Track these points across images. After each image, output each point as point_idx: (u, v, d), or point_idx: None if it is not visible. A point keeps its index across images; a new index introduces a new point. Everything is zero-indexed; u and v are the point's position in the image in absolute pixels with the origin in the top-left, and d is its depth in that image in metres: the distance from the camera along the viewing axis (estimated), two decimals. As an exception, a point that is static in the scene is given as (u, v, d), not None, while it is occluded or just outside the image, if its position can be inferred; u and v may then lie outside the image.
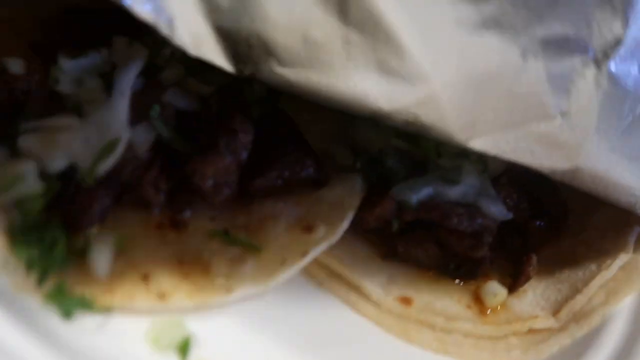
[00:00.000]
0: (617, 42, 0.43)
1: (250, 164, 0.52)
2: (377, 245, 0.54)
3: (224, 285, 0.44)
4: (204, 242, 0.48)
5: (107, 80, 0.49)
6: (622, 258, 0.52)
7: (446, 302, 0.49)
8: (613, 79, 0.43)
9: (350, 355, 0.44)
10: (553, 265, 0.55)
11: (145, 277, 0.43)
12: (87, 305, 0.39)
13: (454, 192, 0.53)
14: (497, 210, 0.54)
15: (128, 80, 0.48)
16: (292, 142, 0.54)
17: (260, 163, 0.52)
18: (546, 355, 0.46)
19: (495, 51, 0.40)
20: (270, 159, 0.52)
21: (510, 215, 0.54)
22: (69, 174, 0.44)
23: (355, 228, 0.52)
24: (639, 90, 0.45)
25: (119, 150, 0.44)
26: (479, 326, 0.47)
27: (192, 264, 0.45)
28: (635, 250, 0.53)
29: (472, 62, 0.40)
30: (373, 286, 0.48)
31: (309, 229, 0.49)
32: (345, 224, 0.50)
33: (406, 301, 0.48)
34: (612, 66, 0.43)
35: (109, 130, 0.44)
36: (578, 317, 0.48)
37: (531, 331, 0.48)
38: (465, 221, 0.52)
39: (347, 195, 0.52)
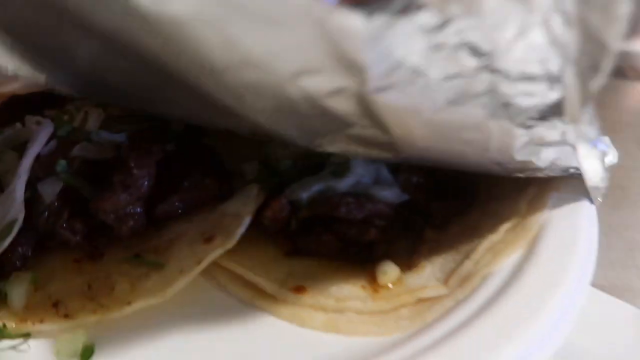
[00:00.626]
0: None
1: (159, 193, 0.59)
2: (282, 244, 0.58)
3: (124, 300, 0.49)
4: (115, 267, 0.54)
5: (21, 152, 0.58)
6: (512, 221, 0.54)
7: (341, 285, 0.52)
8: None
9: (247, 344, 0.48)
10: (458, 239, 0.56)
11: (55, 304, 0.49)
12: (4, 332, 0.46)
13: (344, 184, 0.57)
14: (390, 194, 0.57)
15: (28, 160, 0.56)
16: (196, 167, 0.61)
17: (165, 190, 0.59)
18: (431, 319, 0.48)
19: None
20: (174, 185, 0.59)
21: (405, 197, 0.57)
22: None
23: (263, 232, 0.57)
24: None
25: (15, 230, 0.51)
26: (370, 303, 0.50)
27: (100, 287, 0.51)
28: (526, 213, 0.54)
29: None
30: (268, 282, 0.52)
31: (209, 240, 0.55)
32: (240, 230, 0.54)
33: (300, 289, 0.51)
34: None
35: (8, 212, 0.52)
36: (462, 281, 0.50)
37: (421, 301, 0.50)
38: (355, 209, 0.55)
39: (243, 204, 0.57)
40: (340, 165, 0.58)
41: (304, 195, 0.57)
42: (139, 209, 0.56)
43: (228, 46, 0.34)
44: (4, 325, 0.47)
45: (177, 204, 0.58)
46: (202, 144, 0.66)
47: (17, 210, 0.52)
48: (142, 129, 0.64)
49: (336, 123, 0.43)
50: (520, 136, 0.44)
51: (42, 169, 0.56)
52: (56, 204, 0.55)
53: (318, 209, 0.56)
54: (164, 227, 0.58)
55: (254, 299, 0.52)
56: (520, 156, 0.47)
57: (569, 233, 0.51)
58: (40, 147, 0.57)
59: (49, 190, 0.55)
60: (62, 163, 0.57)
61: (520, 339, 0.43)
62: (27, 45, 0.46)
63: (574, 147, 0.47)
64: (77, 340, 0.46)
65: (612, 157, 0.52)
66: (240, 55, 0.35)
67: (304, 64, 0.36)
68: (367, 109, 0.40)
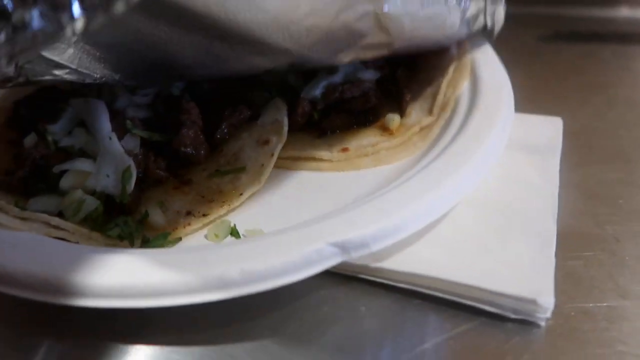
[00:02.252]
0: None
1: (206, 126, 0.75)
2: (312, 132, 0.78)
3: (236, 193, 0.67)
4: (208, 182, 0.70)
5: (84, 125, 0.70)
6: (454, 65, 0.81)
7: (368, 138, 0.75)
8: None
9: (328, 193, 0.69)
10: (419, 90, 0.82)
11: (189, 213, 0.65)
12: (166, 239, 0.61)
13: (338, 77, 0.79)
14: (370, 74, 0.81)
15: (105, 122, 0.68)
16: (229, 101, 0.77)
17: (212, 122, 0.75)
18: (434, 135, 0.73)
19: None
20: (218, 117, 0.75)
21: (378, 74, 0.81)
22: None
23: (293, 128, 0.76)
24: None
25: (134, 172, 0.64)
26: (392, 140, 0.74)
27: (210, 194, 0.67)
28: (458, 57, 0.82)
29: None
30: (320, 152, 0.73)
31: (266, 142, 0.73)
32: (285, 129, 0.74)
33: (345, 150, 0.73)
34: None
35: (118, 163, 0.64)
36: (442, 107, 0.76)
37: (422, 129, 0.75)
38: (354, 90, 0.78)
39: (277, 112, 0.76)
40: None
41: (317, 92, 0.78)
42: (202, 139, 0.72)
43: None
44: (158, 236, 0.61)
45: (225, 129, 0.75)
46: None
47: (125, 159, 0.65)
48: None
49: (357, 37, 0.65)
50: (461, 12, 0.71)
51: (116, 130, 0.68)
52: (141, 151, 0.69)
53: (329, 98, 0.77)
54: (223, 148, 0.75)
55: (317, 167, 0.73)
56: (463, 28, 0.74)
57: (489, 59, 0.80)
58: (107, 113, 0.68)
59: (132, 144, 0.68)
60: (129, 122, 0.70)
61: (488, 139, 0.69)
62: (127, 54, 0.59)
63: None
64: (225, 224, 0.63)
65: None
66: (304, 11, 0.55)
67: (344, 3, 0.57)
68: (379, 22, 0.63)
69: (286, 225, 0.59)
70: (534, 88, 0.92)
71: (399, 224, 0.56)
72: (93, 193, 0.64)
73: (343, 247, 0.54)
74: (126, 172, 0.64)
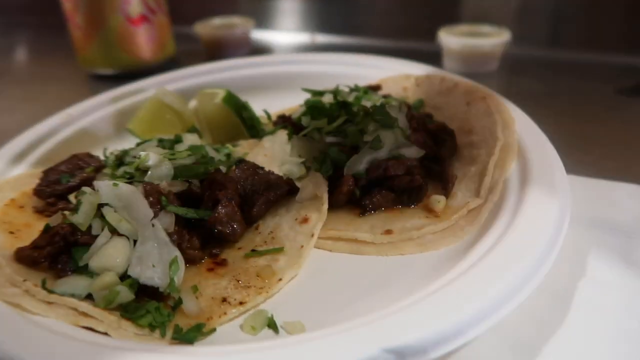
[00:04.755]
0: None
1: (242, 201, 0.72)
2: (351, 210, 0.75)
3: (274, 278, 0.62)
4: (243, 263, 0.66)
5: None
6: (498, 145, 0.77)
7: (413, 221, 0.71)
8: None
9: (373, 281, 0.64)
10: (463, 169, 0.79)
11: (224, 299, 0.60)
12: (200, 331, 0.56)
13: (383, 153, 0.76)
14: (413, 152, 0.78)
15: (145, 208, 0.63)
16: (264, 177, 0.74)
17: (248, 199, 0.72)
18: (483, 219, 0.69)
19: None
20: (255, 194, 0.72)
21: (422, 152, 0.78)
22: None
23: (333, 205, 0.73)
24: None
25: (181, 263, 0.60)
26: (439, 224, 0.69)
27: (247, 278, 0.63)
28: (504, 137, 0.79)
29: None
30: (363, 233, 0.69)
31: (305, 220, 0.69)
32: (325, 206, 0.70)
33: (389, 232, 0.69)
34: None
35: (165, 253, 0.60)
36: (490, 189, 0.72)
37: (470, 212, 0.71)
38: (398, 167, 0.74)
39: (316, 188, 0.73)
40: (374, 141, 0.76)
41: (361, 167, 0.74)
42: (239, 217, 0.68)
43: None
44: (192, 328, 0.57)
45: (262, 205, 0.71)
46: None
47: (171, 249, 0.61)
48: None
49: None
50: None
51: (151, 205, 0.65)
52: (176, 229, 0.65)
53: (373, 174, 0.74)
54: (259, 225, 0.71)
55: (359, 250, 0.68)
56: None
57: (537, 138, 0.76)
58: (143, 198, 0.64)
59: (167, 222, 0.64)
60: (164, 199, 0.66)
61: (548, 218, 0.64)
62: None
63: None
64: (262, 316, 0.58)
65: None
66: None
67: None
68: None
69: (329, 318, 0.55)
70: (612, 147, 0.84)
71: (462, 326, 0.51)
72: (124, 275, 0.60)
73: (399, 353, 0.49)
74: (173, 263, 0.60)
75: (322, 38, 1.78)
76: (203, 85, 1.09)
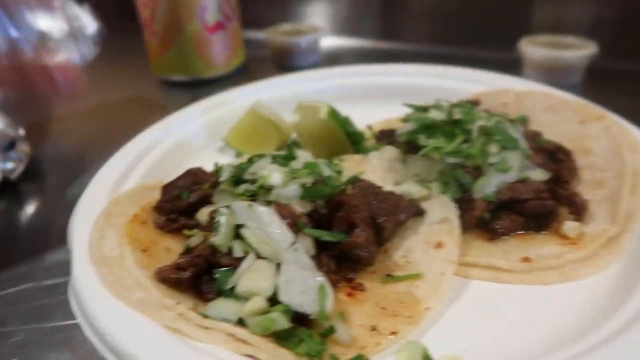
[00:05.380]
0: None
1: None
2: (479, 234, 0.73)
3: (421, 307, 0.61)
4: (381, 289, 0.65)
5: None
6: (629, 168, 0.75)
7: (548, 248, 0.69)
8: None
9: (521, 310, 0.62)
10: (589, 194, 0.76)
11: (373, 328, 0.59)
12: (358, 360, 0.55)
13: (511, 176, 0.74)
14: (539, 174, 0.75)
15: (284, 231, 0.62)
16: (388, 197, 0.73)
17: (376, 221, 0.70)
18: (624, 249, 0.67)
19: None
20: (382, 215, 0.70)
21: (548, 174, 0.76)
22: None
23: (463, 230, 0.71)
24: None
25: (328, 290, 0.58)
26: (577, 253, 0.67)
27: (392, 305, 0.62)
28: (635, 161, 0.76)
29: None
30: (499, 260, 0.67)
31: (439, 245, 0.68)
32: (458, 231, 0.69)
33: (526, 259, 0.67)
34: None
35: (311, 280, 0.59)
36: (629, 218, 0.69)
37: (608, 240, 0.69)
38: (527, 191, 0.72)
39: (445, 210, 0.71)
40: (500, 163, 0.74)
41: (490, 190, 0.72)
42: (373, 240, 0.67)
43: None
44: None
45: (394, 228, 0.70)
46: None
47: (316, 274, 0.60)
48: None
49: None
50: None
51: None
52: (315, 253, 0.64)
53: (503, 197, 0.72)
54: (389, 248, 0.70)
55: (497, 277, 0.66)
56: None
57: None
58: (280, 220, 0.63)
59: (307, 245, 0.63)
60: (300, 221, 0.65)
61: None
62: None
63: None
64: (417, 349, 0.57)
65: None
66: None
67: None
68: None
69: (487, 351, 0.54)
70: None
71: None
72: (271, 299, 0.59)
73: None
74: (321, 290, 0.58)
75: (388, 45, 1.75)
76: (289, 96, 1.08)
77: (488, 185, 0.73)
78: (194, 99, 1.14)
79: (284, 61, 1.56)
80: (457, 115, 0.84)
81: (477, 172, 0.75)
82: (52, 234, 0.87)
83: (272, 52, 1.59)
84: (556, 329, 0.59)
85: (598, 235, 0.69)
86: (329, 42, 1.75)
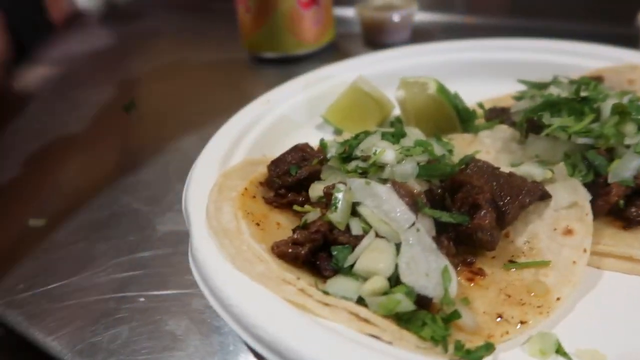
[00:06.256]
0: None
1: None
2: (611, 222, 0.67)
3: (552, 297, 0.56)
4: (505, 275, 0.61)
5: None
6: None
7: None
8: None
9: None
10: None
11: (499, 316, 0.56)
12: (488, 351, 0.52)
13: (650, 159, 0.67)
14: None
15: (405, 211, 0.59)
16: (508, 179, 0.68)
17: (498, 203, 0.66)
18: None
19: None
20: (505, 197, 0.66)
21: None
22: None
23: (594, 216, 0.65)
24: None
25: (453, 274, 0.55)
26: None
27: (518, 293, 0.58)
28: None
29: None
30: (636, 250, 0.61)
31: (569, 232, 0.63)
32: (591, 217, 0.63)
33: (668, 252, 0.61)
34: None
35: (435, 263, 0.55)
36: None
37: None
38: (671, 175, 0.65)
39: (574, 194, 0.65)
40: (639, 145, 0.67)
41: (627, 174, 0.66)
42: (495, 224, 0.63)
43: None
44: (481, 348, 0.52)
45: (517, 211, 0.65)
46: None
47: (440, 257, 0.56)
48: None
49: None
50: None
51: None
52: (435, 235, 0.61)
53: (640, 183, 0.65)
54: (510, 233, 0.66)
55: (634, 269, 0.61)
56: None
57: None
58: (399, 199, 0.61)
59: (428, 226, 0.60)
60: (420, 200, 0.62)
61: None
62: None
63: None
64: (550, 340, 0.53)
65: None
66: None
67: None
68: None
69: (630, 348, 0.49)
70: None
71: None
72: (389, 279, 0.57)
73: None
74: (445, 273, 0.55)
75: (474, 19, 1.66)
76: (393, 72, 1.04)
77: (626, 168, 0.66)
78: (284, 76, 1.13)
79: (374, 37, 1.52)
80: (583, 92, 0.77)
81: (610, 154, 0.69)
82: (163, 203, 0.90)
83: (362, 29, 1.55)
84: None
85: None
86: (418, 17, 1.69)
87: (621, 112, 0.70)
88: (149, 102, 1.36)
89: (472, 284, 0.61)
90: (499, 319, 0.56)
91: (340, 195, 0.63)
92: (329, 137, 0.92)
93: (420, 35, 1.59)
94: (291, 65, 1.43)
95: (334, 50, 1.53)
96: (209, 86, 1.42)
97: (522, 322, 0.55)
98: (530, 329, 0.54)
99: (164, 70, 1.56)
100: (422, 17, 1.70)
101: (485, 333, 0.54)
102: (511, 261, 0.62)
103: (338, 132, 0.99)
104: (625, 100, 0.74)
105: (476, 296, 0.59)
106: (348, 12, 1.59)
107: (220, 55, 1.61)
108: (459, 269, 0.63)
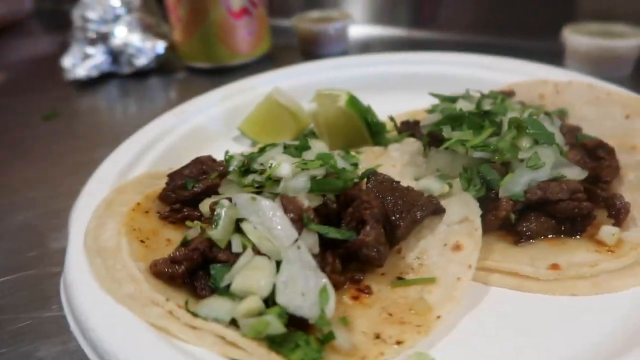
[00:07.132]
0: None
1: (384, 222, 0.64)
2: (503, 236, 0.66)
3: (432, 315, 0.55)
4: (390, 293, 0.59)
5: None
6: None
7: (580, 255, 0.62)
8: None
9: (545, 324, 0.56)
10: (632, 196, 0.68)
11: (377, 336, 0.54)
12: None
13: (543, 173, 0.66)
14: (575, 173, 0.68)
15: (288, 228, 0.57)
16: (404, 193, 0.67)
17: (390, 218, 0.64)
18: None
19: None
20: (397, 212, 0.65)
21: (586, 173, 0.68)
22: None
23: (483, 230, 0.64)
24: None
25: (331, 292, 0.53)
26: (614, 262, 0.60)
27: (400, 312, 0.56)
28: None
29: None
30: (524, 267, 0.60)
31: (458, 247, 0.62)
32: (479, 232, 0.62)
33: (555, 267, 0.60)
34: None
35: (314, 281, 0.54)
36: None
37: (652, 248, 0.61)
38: (561, 191, 0.65)
39: (466, 209, 0.65)
40: (532, 159, 0.66)
41: (518, 188, 0.65)
42: (384, 240, 0.62)
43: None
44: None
45: (408, 227, 0.64)
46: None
47: (319, 275, 0.55)
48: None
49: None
50: None
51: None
52: (319, 251, 0.59)
53: (533, 198, 0.65)
54: (402, 248, 0.64)
55: (520, 285, 0.60)
56: None
57: None
58: (285, 216, 0.59)
59: (311, 242, 0.59)
60: (306, 215, 0.60)
61: None
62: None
63: None
64: (424, 358, 0.51)
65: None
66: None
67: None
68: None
69: None
70: None
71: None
72: (267, 300, 0.54)
73: None
74: (323, 292, 0.53)
75: (417, 33, 1.68)
76: (312, 85, 1.03)
77: (516, 183, 0.66)
78: (216, 87, 1.11)
79: (310, 49, 1.51)
80: (487, 106, 0.78)
81: (506, 168, 0.68)
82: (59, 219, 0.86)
83: (298, 40, 1.54)
84: (585, 348, 0.52)
85: (637, 243, 0.61)
86: (361, 30, 1.69)
87: (518, 126, 0.70)
88: (73, 110, 1.31)
89: (356, 302, 0.59)
90: (376, 339, 0.54)
91: (222, 211, 0.60)
92: (246, 149, 0.90)
93: (361, 47, 1.59)
94: (225, 76, 1.40)
95: (270, 61, 1.51)
96: (144, 97, 1.38)
97: (398, 342, 0.53)
98: (406, 349, 0.53)
99: (98, 79, 1.51)
100: (367, 30, 1.71)
101: (361, 354, 0.52)
102: (399, 278, 0.61)
103: (254, 144, 0.96)
104: (525, 115, 0.74)
105: (357, 315, 0.57)
106: (286, 23, 1.58)
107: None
108: (345, 287, 0.61)
